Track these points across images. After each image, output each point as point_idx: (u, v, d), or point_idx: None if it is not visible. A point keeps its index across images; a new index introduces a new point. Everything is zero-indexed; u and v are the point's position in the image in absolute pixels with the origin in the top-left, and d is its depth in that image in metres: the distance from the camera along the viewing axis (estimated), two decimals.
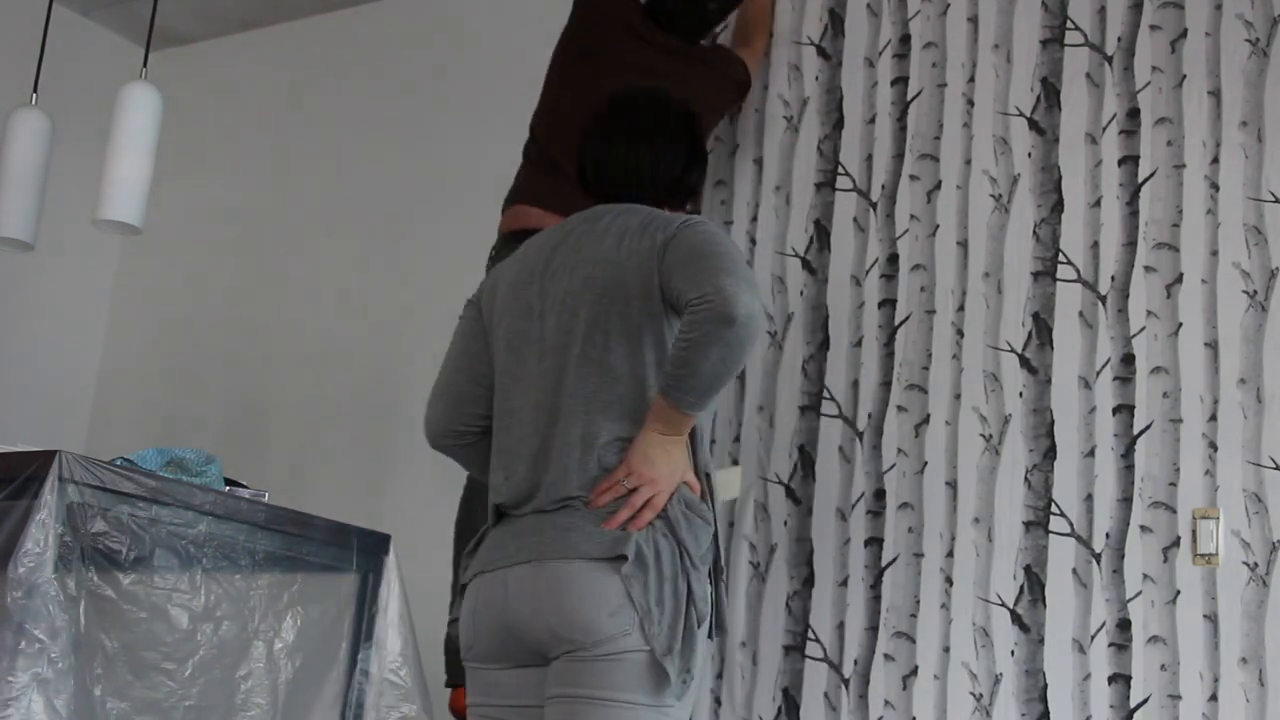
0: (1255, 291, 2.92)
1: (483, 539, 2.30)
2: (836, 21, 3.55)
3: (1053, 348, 3.10)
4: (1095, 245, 3.11)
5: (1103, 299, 3.07)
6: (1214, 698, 2.77)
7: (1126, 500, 2.95)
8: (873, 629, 3.13)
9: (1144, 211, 3.08)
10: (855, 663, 3.13)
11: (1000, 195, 3.24)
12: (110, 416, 4.70)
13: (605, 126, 2.42)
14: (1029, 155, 3.22)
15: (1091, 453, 3.00)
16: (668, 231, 2.23)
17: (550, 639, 2.12)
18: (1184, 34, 3.12)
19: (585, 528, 2.14)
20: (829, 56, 3.54)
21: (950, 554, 3.09)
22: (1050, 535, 3.00)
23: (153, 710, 2.36)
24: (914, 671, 3.07)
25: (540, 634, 2.14)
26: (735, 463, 3.32)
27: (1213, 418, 2.91)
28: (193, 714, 2.41)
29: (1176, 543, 2.88)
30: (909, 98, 3.41)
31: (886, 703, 3.07)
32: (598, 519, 2.14)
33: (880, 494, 3.20)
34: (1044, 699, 2.92)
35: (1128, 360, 3.02)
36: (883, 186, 3.39)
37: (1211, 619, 2.81)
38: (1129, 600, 2.89)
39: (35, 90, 3.71)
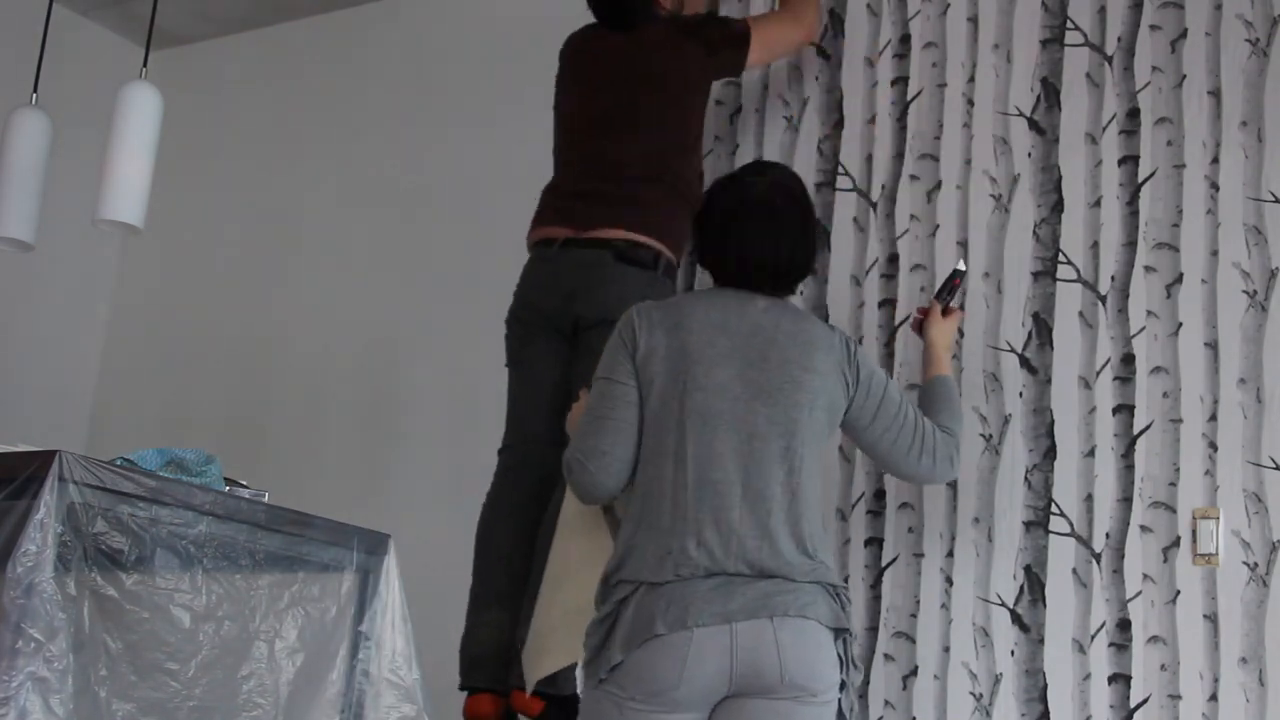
0: (1255, 291, 2.92)
1: None
2: (836, 21, 3.55)
3: (1053, 348, 3.10)
4: (1095, 245, 3.11)
5: (1103, 299, 3.07)
6: (1214, 698, 2.77)
7: (1126, 500, 2.95)
8: (873, 629, 3.13)
9: (1144, 211, 3.08)
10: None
11: (1000, 195, 3.24)
12: (110, 416, 4.70)
13: (753, 220, 2.57)
14: (1029, 155, 3.22)
15: (1091, 453, 3.01)
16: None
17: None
18: (1184, 34, 3.12)
19: None
20: (829, 56, 3.54)
21: (950, 554, 3.09)
22: (1050, 535, 3.00)
23: (158, 711, 2.35)
24: (914, 671, 3.07)
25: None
26: None
27: (1213, 418, 2.91)
28: (197, 714, 2.41)
29: (1176, 543, 2.88)
30: (909, 98, 3.41)
31: (886, 703, 3.07)
32: None
33: (880, 494, 3.20)
34: (1044, 699, 2.92)
35: (1128, 360, 3.02)
36: (883, 186, 3.39)
37: (1211, 619, 2.81)
38: (1129, 600, 2.89)
39: (35, 90, 3.71)
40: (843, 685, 2.40)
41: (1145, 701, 2.83)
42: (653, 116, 3.23)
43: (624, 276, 3.07)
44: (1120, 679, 2.87)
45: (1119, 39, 3.19)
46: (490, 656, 3.01)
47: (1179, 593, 2.86)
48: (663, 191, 3.18)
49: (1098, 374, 3.04)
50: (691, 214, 2.97)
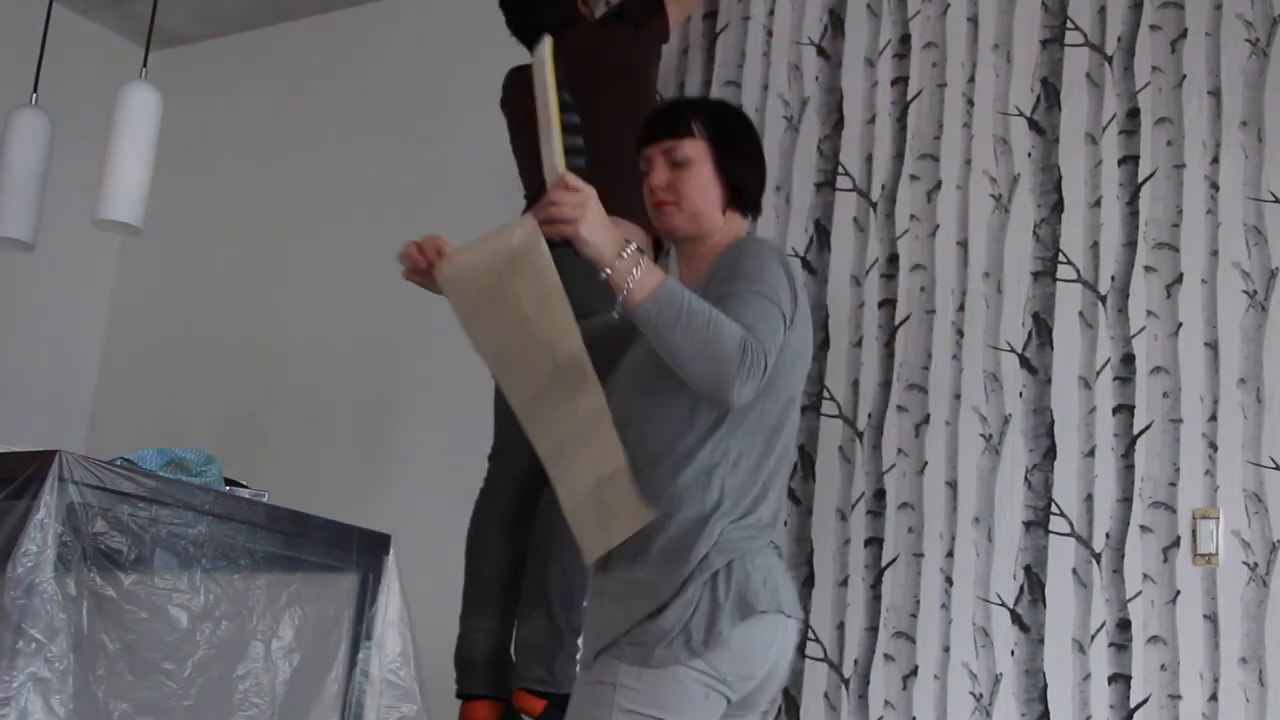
0: (1255, 291, 2.92)
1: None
2: (836, 21, 3.55)
3: (1053, 348, 3.10)
4: (1095, 245, 3.11)
5: (1103, 299, 3.07)
6: (1214, 698, 2.77)
7: (1126, 500, 2.95)
8: (873, 629, 3.13)
9: (1144, 211, 3.08)
10: (855, 663, 3.13)
11: (1000, 195, 3.24)
12: (110, 416, 4.70)
13: None
14: (1029, 155, 3.22)
15: (1091, 453, 3.00)
16: None
17: None
18: (1184, 34, 3.12)
19: None
20: (829, 56, 3.54)
21: (950, 554, 3.09)
22: (1050, 535, 3.00)
23: (153, 710, 2.35)
24: (914, 671, 3.07)
25: None
26: None
27: (1213, 418, 2.90)
28: (192, 714, 2.41)
29: (1176, 543, 2.88)
30: (909, 98, 3.41)
31: (886, 703, 3.07)
32: None
33: (880, 494, 3.20)
34: (1044, 699, 2.92)
35: (1128, 360, 3.02)
36: (883, 186, 3.39)
37: (1211, 619, 2.81)
38: (1129, 600, 2.89)
39: (35, 90, 3.71)
40: None
41: (1145, 701, 2.83)
42: None
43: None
44: (1120, 679, 2.86)
45: (1119, 39, 3.19)
46: (485, 663, 3.00)
47: (1179, 593, 2.85)
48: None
49: (1098, 374, 3.04)
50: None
